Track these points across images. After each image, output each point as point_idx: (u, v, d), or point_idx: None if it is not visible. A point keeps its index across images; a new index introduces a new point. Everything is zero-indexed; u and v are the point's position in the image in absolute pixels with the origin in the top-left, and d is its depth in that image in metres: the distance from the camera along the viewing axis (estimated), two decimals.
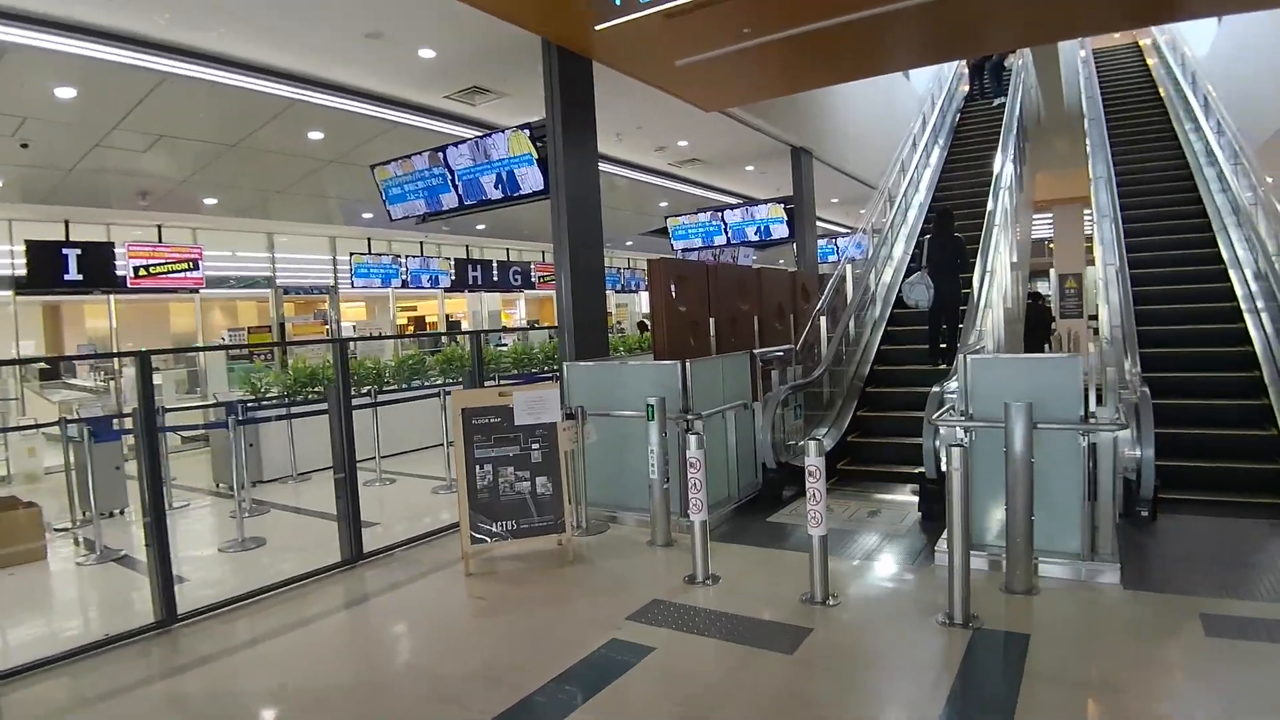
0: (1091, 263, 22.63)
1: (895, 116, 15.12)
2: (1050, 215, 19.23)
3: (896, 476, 7.01)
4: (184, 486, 8.52)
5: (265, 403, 8.94)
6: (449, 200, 7.99)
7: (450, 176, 7.81)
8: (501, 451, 4.88)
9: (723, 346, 7.76)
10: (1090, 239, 23.69)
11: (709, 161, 12.53)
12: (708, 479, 4.47)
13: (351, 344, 13.97)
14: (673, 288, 6.96)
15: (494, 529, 4.85)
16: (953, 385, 6.11)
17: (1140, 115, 12.55)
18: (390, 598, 4.61)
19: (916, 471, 6.78)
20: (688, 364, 5.54)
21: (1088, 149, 9.49)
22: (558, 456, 4.93)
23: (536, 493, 4.90)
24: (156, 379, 12.86)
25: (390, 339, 14.39)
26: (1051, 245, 22.16)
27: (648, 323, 20.94)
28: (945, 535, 4.78)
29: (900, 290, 8.51)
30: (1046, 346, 14.27)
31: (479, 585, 4.65)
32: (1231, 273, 8.34)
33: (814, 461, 3.94)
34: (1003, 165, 10.17)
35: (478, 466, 4.86)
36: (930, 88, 14.27)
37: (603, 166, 11.72)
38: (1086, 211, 19.95)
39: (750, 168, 13.23)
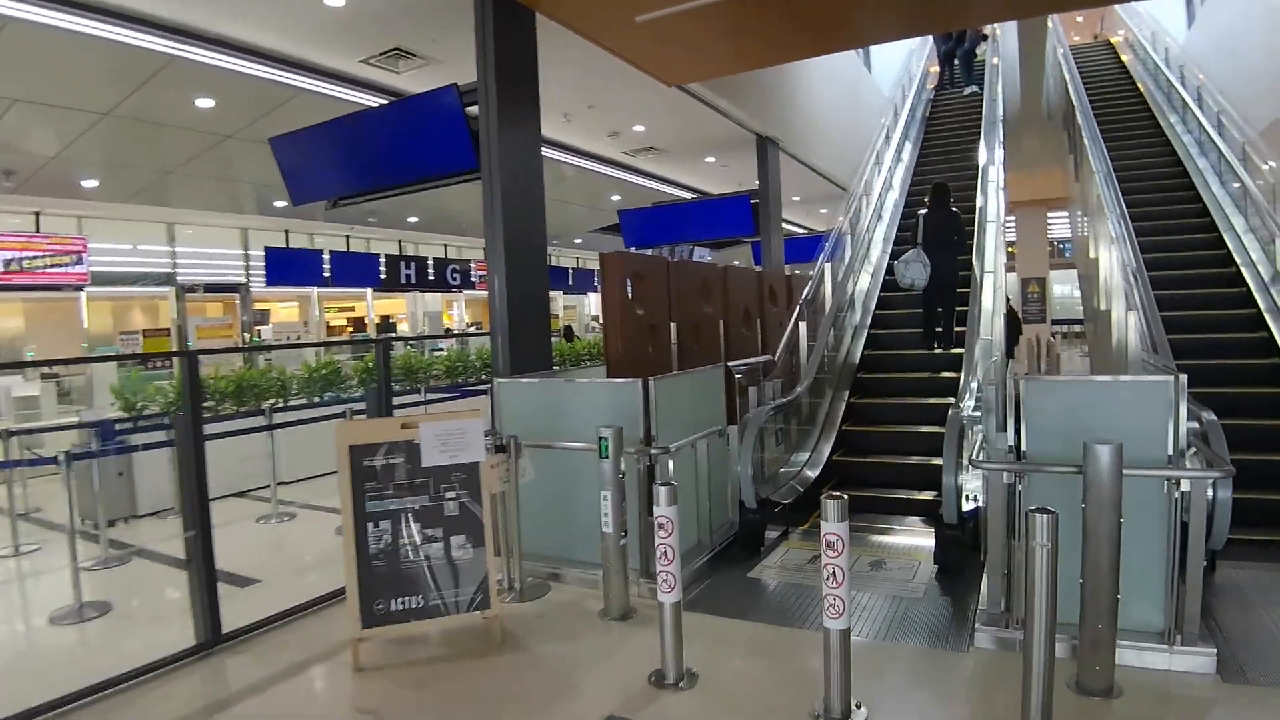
0: (1057, 266, 22.29)
1: (861, 114, 14.43)
2: (1012, 218, 18.75)
3: (896, 505, 6.01)
4: (45, 523, 7.07)
5: (143, 422, 7.49)
6: (362, 180, 6.70)
7: (363, 151, 6.53)
8: (404, 503, 3.66)
9: (685, 356, 6.65)
10: (1053, 243, 23.35)
11: (667, 150, 11.41)
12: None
13: (267, 351, 12.48)
14: (629, 286, 5.82)
15: (394, 607, 3.62)
16: (970, 404, 5.10)
17: (1122, 111, 11.85)
18: (244, 710, 3.33)
19: (925, 498, 5.79)
20: (650, 383, 4.39)
21: (1085, 142, 8.64)
22: (481, 506, 3.73)
23: (452, 556, 3.68)
24: (34, 389, 11.26)
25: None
26: (1012, 249, 21.74)
27: (574, 330, 19.73)
28: (983, 604, 3.74)
29: (894, 270, 7.70)
30: (1014, 352, 13.65)
31: (370, 689, 3.41)
32: (1245, 272, 7.55)
33: (834, 529, 2.82)
34: (990, 156, 9.30)
35: (371, 524, 3.62)
36: (900, 79, 13.43)
37: (550, 153, 10.51)
38: (1051, 214, 19.56)
39: (711, 159, 12.15)
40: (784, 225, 16.84)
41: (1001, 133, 9.76)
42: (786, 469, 6.13)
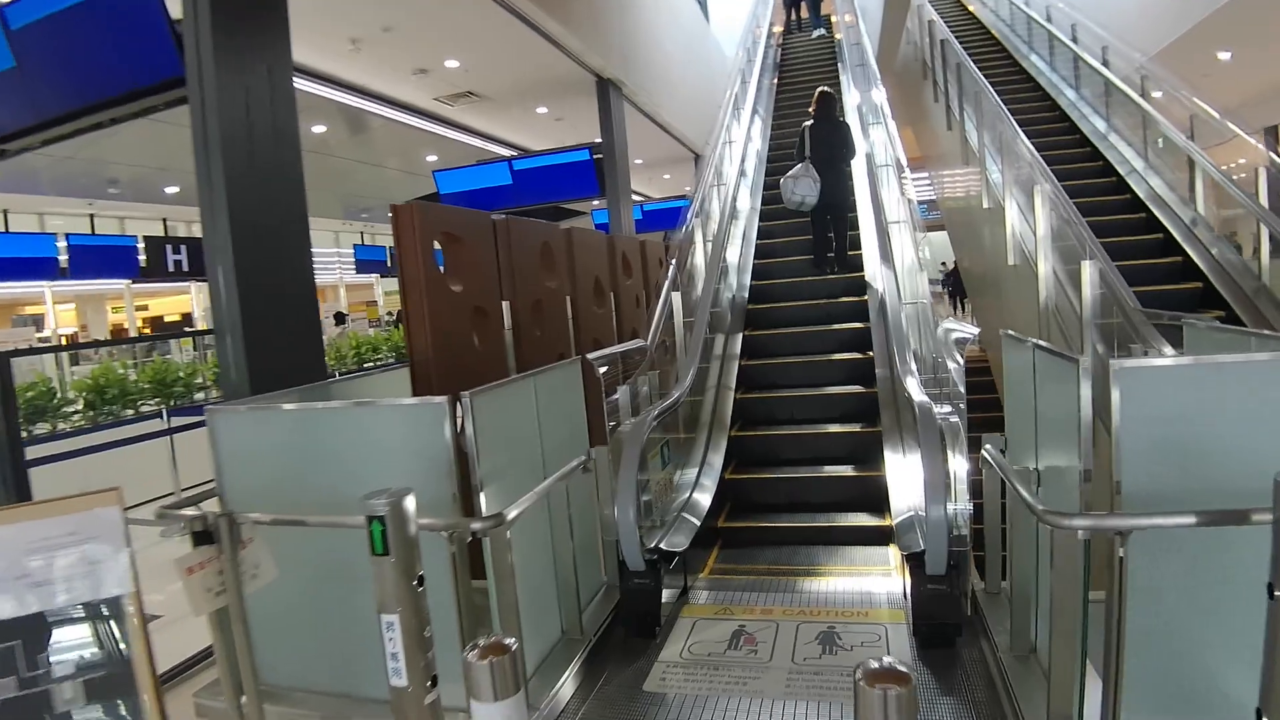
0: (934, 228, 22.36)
1: (705, 70, 13.55)
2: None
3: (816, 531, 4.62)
4: None
5: None
6: (26, 109, 4.47)
7: (21, 64, 4.31)
8: None
9: (525, 346, 4.88)
10: (915, 202, 23.32)
11: (490, 98, 9.49)
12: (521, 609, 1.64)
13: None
14: (439, 254, 4.02)
15: None
16: (917, 388, 3.72)
17: (982, 58, 11.16)
18: None
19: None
20: (467, 401, 2.65)
21: (971, 80, 7.64)
22: (137, 691, 1.87)
23: None
24: None
25: None
26: None
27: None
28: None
29: (782, 189, 6.80)
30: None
31: None
32: (1155, 210, 6.78)
33: None
34: (864, 99, 8.17)
35: None
36: (749, 25, 12.21)
37: (346, 98, 8.37)
38: (906, 176, 19.29)
39: (543, 109, 10.35)
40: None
41: (878, 71, 8.64)
42: (673, 494, 4.57)
